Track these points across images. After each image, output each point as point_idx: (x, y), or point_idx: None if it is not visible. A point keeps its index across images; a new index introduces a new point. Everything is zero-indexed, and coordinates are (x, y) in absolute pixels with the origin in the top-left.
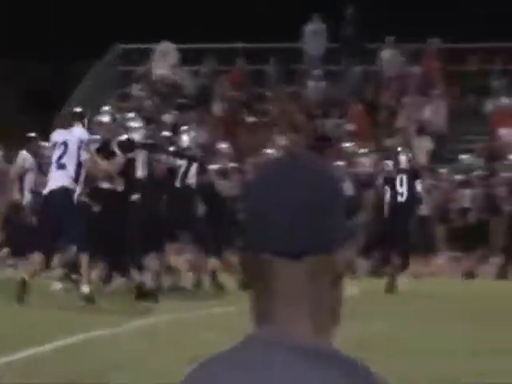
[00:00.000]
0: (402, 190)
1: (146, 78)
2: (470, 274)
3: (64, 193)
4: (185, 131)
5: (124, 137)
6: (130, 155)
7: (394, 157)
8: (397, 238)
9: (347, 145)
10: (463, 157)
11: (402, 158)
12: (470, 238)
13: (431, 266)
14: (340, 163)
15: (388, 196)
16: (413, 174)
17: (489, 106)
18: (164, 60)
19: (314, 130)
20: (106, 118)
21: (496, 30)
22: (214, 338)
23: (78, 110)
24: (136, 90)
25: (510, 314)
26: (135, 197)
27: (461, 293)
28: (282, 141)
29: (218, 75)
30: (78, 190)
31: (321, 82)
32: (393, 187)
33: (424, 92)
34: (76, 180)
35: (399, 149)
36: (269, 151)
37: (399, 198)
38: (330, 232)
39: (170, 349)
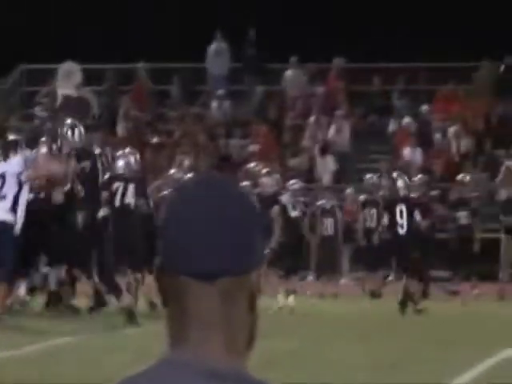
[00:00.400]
0: (402, 221)
1: (50, 98)
2: (375, 294)
3: (1, 226)
4: (120, 156)
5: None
6: (82, 164)
7: (391, 182)
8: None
9: (251, 165)
10: (367, 176)
11: (400, 184)
12: (374, 257)
13: (336, 286)
14: (244, 183)
15: (386, 222)
16: (411, 203)
17: (392, 125)
18: (68, 80)
19: (217, 150)
20: (68, 133)
21: (397, 50)
22: (127, 360)
23: (13, 137)
24: (39, 110)
25: (411, 332)
26: (105, 210)
27: (366, 312)
28: (185, 161)
29: (118, 95)
30: (19, 218)
31: (224, 102)
32: (392, 215)
33: (328, 112)
34: (14, 210)
35: (395, 174)
36: (172, 171)
37: (400, 231)
38: (245, 253)
39: (83, 370)
